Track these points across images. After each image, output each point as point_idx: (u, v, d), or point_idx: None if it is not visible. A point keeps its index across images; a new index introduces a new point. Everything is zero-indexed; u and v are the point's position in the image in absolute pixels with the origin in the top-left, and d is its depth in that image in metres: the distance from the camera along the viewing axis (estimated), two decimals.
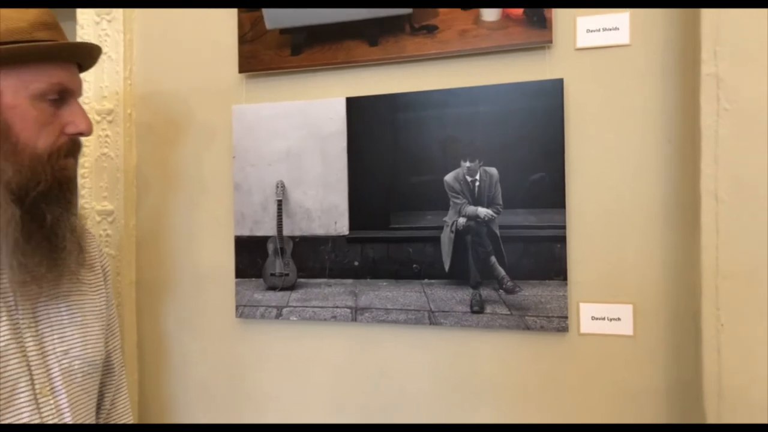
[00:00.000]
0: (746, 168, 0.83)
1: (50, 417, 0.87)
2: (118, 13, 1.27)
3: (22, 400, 0.85)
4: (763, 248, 0.82)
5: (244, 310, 1.19)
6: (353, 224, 1.13)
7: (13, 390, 0.84)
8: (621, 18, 0.97)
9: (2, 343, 0.84)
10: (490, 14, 1.03)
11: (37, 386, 0.87)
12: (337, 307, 1.13)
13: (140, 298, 1.26)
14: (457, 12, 1.05)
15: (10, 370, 0.84)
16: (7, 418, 0.83)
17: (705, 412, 0.84)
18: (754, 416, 0.81)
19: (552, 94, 0.99)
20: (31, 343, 0.88)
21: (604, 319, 0.98)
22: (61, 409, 0.89)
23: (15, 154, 0.85)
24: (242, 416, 1.20)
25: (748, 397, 0.81)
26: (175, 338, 1.25)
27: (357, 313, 1.12)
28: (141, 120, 1.26)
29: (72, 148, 0.92)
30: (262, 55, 1.16)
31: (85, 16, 1.29)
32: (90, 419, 0.96)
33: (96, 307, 1.00)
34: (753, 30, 0.82)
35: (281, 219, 1.16)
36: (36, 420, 0.86)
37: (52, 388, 0.89)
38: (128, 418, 1.09)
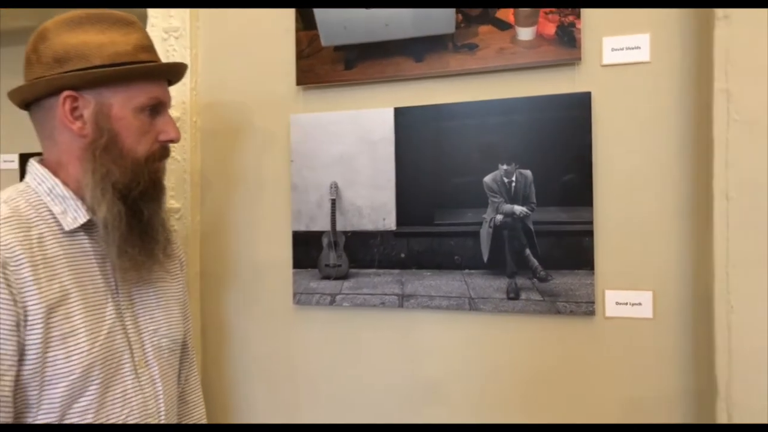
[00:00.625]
0: (753, 170, 0.96)
1: (147, 385, 1.02)
2: (185, 30, 1.42)
3: (125, 370, 0.99)
4: (759, 236, 0.95)
5: (301, 298, 1.32)
6: (400, 220, 1.26)
7: (119, 362, 0.98)
8: (642, 38, 1.10)
9: (110, 322, 0.98)
10: (525, 34, 1.16)
11: (135, 359, 1.01)
12: (385, 294, 1.27)
13: (204, 288, 1.40)
14: (495, 32, 1.18)
15: (117, 344, 0.98)
16: (115, 385, 0.97)
17: (717, 378, 0.97)
18: (759, 379, 0.93)
19: (580, 105, 1.13)
20: (129, 323, 1.02)
21: (626, 304, 1.11)
22: (154, 379, 1.03)
23: (121, 159, 0.99)
24: (297, 393, 1.33)
25: (755, 366, 0.94)
26: (236, 324, 1.39)
27: (403, 300, 1.25)
28: (205, 127, 1.40)
29: (163, 153, 1.06)
30: (318, 69, 1.30)
31: (153, 33, 1.43)
32: (173, 389, 1.10)
33: (176, 293, 1.15)
34: (758, 51, 0.95)
35: (335, 216, 1.30)
36: (136, 387, 1.00)
37: (146, 361, 1.03)
38: (198, 393, 1.24)
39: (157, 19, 1.45)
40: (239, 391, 1.38)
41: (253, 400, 1.37)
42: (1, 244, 0.87)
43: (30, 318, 0.87)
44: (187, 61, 1.41)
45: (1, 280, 0.85)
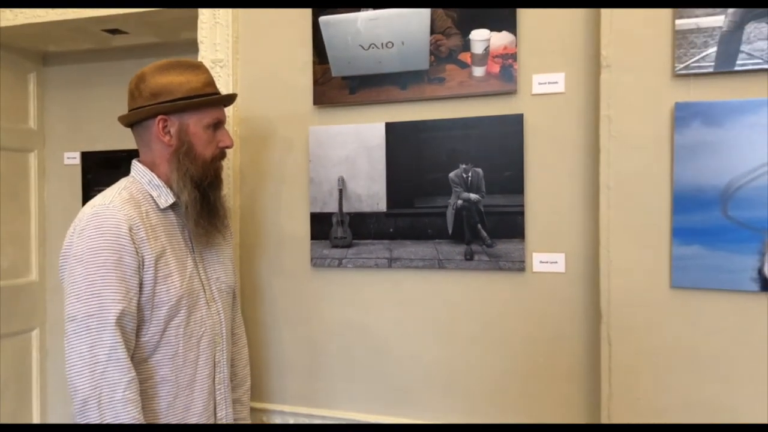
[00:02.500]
0: (624, 169, 1.42)
1: (215, 313, 1.49)
2: (228, 62, 1.88)
3: (201, 302, 1.46)
4: (632, 214, 1.41)
5: (316, 261, 1.80)
6: (389, 204, 1.73)
7: (197, 296, 1.45)
8: (559, 76, 1.56)
9: (190, 270, 1.45)
10: (479, 71, 1.63)
11: (207, 296, 1.48)
12: (378, 258, 1.74)
13: (242, 255, 1.87)
14: (457, 69, 1.64)
15: (195, 285, 1.45)
16: (195, 311, 1.43)
17: (601, 308, 1.44)
18: (628, 308, 1.40)
19: (516, 123, 1.59)
20: (201, 272, 1.49)
21: (547, 262, 1.58)
22: (219, 310, 1.51)
23: (195, 160, 1.46)
24: (313, 332, 1.80)
25: (626, 300, 1.41)
26: (266, 281, 1.86)
27: (392, 262, 1.72)
28: (243, 135, 1.87)
29: (222, 155, 1.53)
30: (329, 93, 1.77)
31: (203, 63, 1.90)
32: (230, 319, 1.57)
33: (228, 254, 1.62)
34: (628, 90, 1.42)
35: (341, 201, 1.77)
36: (208, 314, 1.46)
37: (213, 298, 1.51)
38: (242, 327, 1.70)
39: (206, 52, 1.92)
40: (269, 331, 1.86)
41: (279, 337, 1.84)
42: (127, 216, 1.34)
43: (145, 263, 1.34)
44: (229, 84, 1.87)
45: (129, 238, 1.32)
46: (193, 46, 2.03)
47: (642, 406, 1.42)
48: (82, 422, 1.26)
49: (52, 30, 2.21)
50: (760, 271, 1.33)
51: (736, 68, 1.34)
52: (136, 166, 1.48)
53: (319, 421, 1.79)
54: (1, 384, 2.41)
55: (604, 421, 1.45)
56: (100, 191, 2.45)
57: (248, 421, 1.70)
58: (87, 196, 2.52)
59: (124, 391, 1.26)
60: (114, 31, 2.25)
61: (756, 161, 1.32)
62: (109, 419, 1.25)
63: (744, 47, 1.33)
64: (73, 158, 2.55)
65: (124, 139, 2.44)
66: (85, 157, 2.54)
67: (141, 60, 2.42)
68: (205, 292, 1.49)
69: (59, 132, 2.56)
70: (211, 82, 1.51)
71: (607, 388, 1.44)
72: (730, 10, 1.33)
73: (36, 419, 2.54)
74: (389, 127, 1.72)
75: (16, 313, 2.46)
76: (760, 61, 1.32)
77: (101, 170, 2.52)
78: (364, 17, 1.72)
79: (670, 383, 1.40)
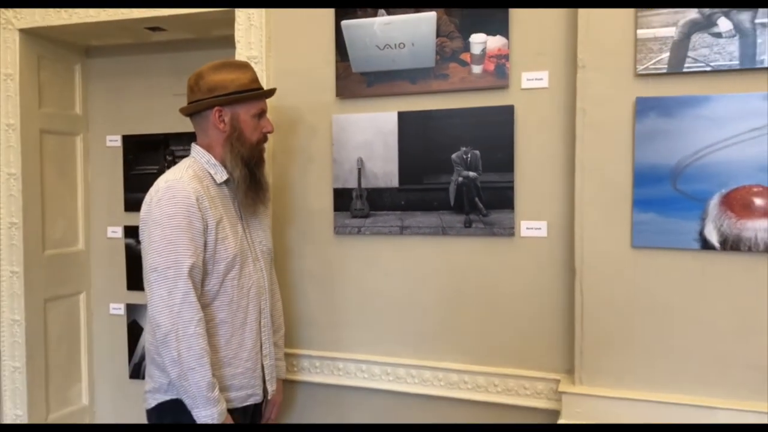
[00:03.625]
0: (596, 152, 1.75)
1: (259, 270, 1.82)
2: (261, 58, 2.18)
3: (249, 260, 1.79)
4: (601, 189, 1.74)
5: (338, 230, 2.12)
6: (401, 181, 2.05)
7: (246, 256, 1.78)
8: (544, 74, 1.88)
9: (240, 234, 1.77)
10: (477, 69, 1.94)
11: (253, 255, 1.81)
12: (392, 226, 2.06)
13: (275, 224, 2.19)
14: (459, 67, 1.96)
15: (244, 246, 1.78)
16: (245, 267, 1.76)
17: (575, 266, 1.77)
18: (597, 266, 1.74)
19: (508, 112, 1.91)
20: (248, 235, 1.82)
21: (532, 229, 1.91)
22: (262, 268, 1.84)
23: (244, 143, 1.77)
24: (335, 289, 2.13)
25: (596, 260, 1.75)
26: (296, 247, 2.19)
27: (403, 230, 2.05)
28: (275, 121, 2.16)
29: (265, 139, 1.85)
30: (350, 87, 2.08)
31: (240, 60, 2.20)
32: (269, 277, 1.90)
33: (267, 222, 1.94)
34: (600, 87, 1.74)
35: (360, 178, 2.09)
36: (254, 270, 1.79)
37: (257, 258, 1.83)
38: (277, 286, 2.03)
39: (242, 50, 2.22)
40: (298, 288, 2.19)
41: (307, 293, 2.18)
42: (194, 189, 1.65)
43: (208, 227, 1.66)
44: (262, 78, 2.18)
45: (196, 207, 1.64)
46: (225, 42, 2.34)
47: (608, 343, 1.76)
48: (163, 351, 1.60)
49: (98, 27, 2.50)
50: (701, 233, 1.67)
51: (684, 70, 1.66)
52: (195, 148, 1.80)
53: (340, 363, 2.13)
54: (54, 341, 2.74)
55: (577, 355, 1.79)
56: (139, 170, 2.80)
57: (283, 363, 2.04)
58: (127, 174, 2.84)
59: (195, 327, 1.60)
60: (154, 29, 2.55)
61: (699, 145, 1.65)
62: (184, 348, 1.58)
63: (690, 53, 1.65)
64: (115, 141, 2.86)
65: (160, 124, 2.77)
66: (126, 139, 2.84)
67: (176, 54, 2.73)
68: (251, 252, 1.82)
69: (102, 117, 2.87)
70: (255, 79, 1.82)
71: (580, 329, 1.78)
72: (681, 23, 1.65)
73: (84, 373, 2.88)
74: (401, 115, 2.04)
75: (65, 278, 2.78)
76: (703, 64, 1.64)
77: (140, 151, 2.82)
78: (380, 22, 2.03)
79: (631, 323, 1.74)
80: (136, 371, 2.83)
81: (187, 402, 1.62)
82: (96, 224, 2.89)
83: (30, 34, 2.57)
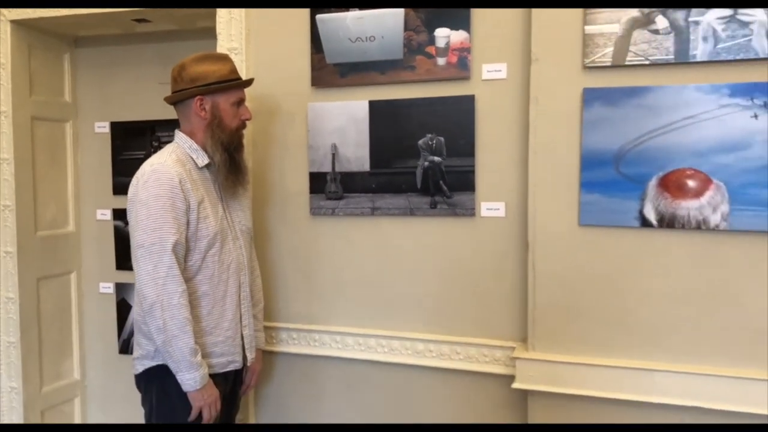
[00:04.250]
0: (547, 139, 1.90)
1: (239, 248, 1.97)
2: (242, 49, 2.31)
3: (229, 239, 1.94)
4: (552, 172, 1.90)
5: (314, 211, 2.27)
6: (372, 165, 2.20)
7: (226, 234, 1.93)
8: (503, 65, 2.03)
9: (221, 214, 1.92)
10: (441, 61, 2.09)
11: (232, 234, 1.96)
12: (363, 208, 2.22)
13: (255, 205, 2.34)
14: (425, 59, 2.11)
15: (224, 225, 1.92)
16: (225, 245, 1.91)
17: (528, 241, 1.93)
18: (548, 240, 1.90)
19: (469, 102, 2.06)
20: (228, 216, 1.97)
21: (491, 209, 2.07)
22: (241, 246, 1.99)
23: (224, 130, 1.92)
24: (311, 266, 2.29)
25: (547, 236, 1.91)
26: (274, 227, 2.34)
27: (374, 211, 2.21)
28: (254, 109, 2.30)
29: (243, 126, 1.99)
30: (324, 77, 2.23)
31: (221, 51, 2.33)
32: (249, 254, 2.05)
33: (247, 203, 2.09)
34: (551, 79, 1.89)
35: (334, 163, 2.24)
36: (234, 248, 1.94)
37: (236, 237, 1.98)
38: (257, 263, 2.18)
39: (224, 42, 2.35)
40: (276, 265, 2.34)
41: (285, 270, 2.33)
42: (177, 172, 1.80)
43: (191, 207, 1.81)
44: (242, 68, 2.31)
45: (179, 188, 1.78)
46: (207, 33, 2.47)
47: (558, 312, 1.93)
48: (149, 320, 1.75)
49: (87, 18, 2.62)
50: (641, 212, 1.83)
51: (626, 63, 1.82)
52: (178, 134, 1.94)
53: (316, 335, 2.29)
54: (47, 318, 2.88)
55: (530, 324, 1.96)
56: (127, 155, 2.93)
57: (263, 334, 2.20)
58: (115, 159, 2.97)
59: (179, 298, 1.75)
60: (140, 20, 2.67)
61: (639, 132, 1.81)
62: (168, 318, 1.73)
63: (632, 48, 1.81)
64: (103, 127, 2.98)
65: (146, 111, 2.89)
66: (113, 126, 2.97)
67: (161, 44, 2.86)
68: (231, 231, 1.97)
69: (90, 104, 2.99)
70: (235, 70, 1.96)
71: (533, 300, 1.95)
72: (623, 20, 1.81)
73: (75, 348, 3.02)
74: (372, 104, 2.19)
75: (57, 259, 2.92)
76: (642, 58, 1.80)
77: (127, 137, 2.95)
78: (352, 16, 2.17)
79: (578, 294, 1.91)
80: (125, 347, 2.97)
81: (172, 366, 1.77)
82: (86, 207, 3.02)
83: (21, 25, 2.68)
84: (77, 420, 3.04)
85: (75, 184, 3.01)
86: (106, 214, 2.99)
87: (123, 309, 2.99)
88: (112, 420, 3.04)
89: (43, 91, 2.85)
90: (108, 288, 3.01)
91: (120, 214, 2.93)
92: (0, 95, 2.67)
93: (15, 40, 2.67)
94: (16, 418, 2.75)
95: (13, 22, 2.65)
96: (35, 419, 2.81)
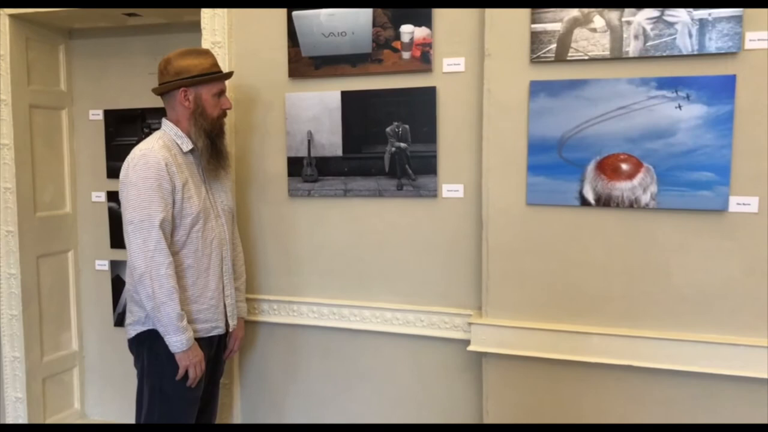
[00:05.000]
0: (498, 126, 2.11)
1: (221, 226, 2.17)
2: (224, 43, 2.51)
3: (212, 218, 2.15)
4: (503, 156, 2.11)
5: (292, 192, 2.48)
6: (345, 150, 2.41)
7: (209, 213, 2.13)
8: (461, 59, 2.23)
9: (204, 195, 2.12)
10: (406, 55, 2.29)
11: (215, 212, 2.17)
12: (337, 189, 2.42)
13: (237, 188, 2.54)
14: (391, 53, 2.30)
15: (207, 205, 2.13)
16: (208, 223, 2.11)
17: (482, 218, 2.15)
18: (500, 217, 2.12)
19: (431, 93, 2.27)
20: (211, 196, 2.17)
21: (452, 191, 2.28)
22: (223, 224, 2.20)
23: (206, 118, 2.12)
24: (289, 243, 2.50)
25: (500, 215, 2.12)
26: (255, 207, 2.55)
27: (346, 192, 2.41)
28: (236, 98, 2.51)
29: (224, 114, 2.19)
30: (300, 69, 2.42)
31: (205, 44, 2.53)
32: (230, 231, 2.26)
33: (228, 185, 2.29)
34: (502, 71, 2.09)
35: (310, 148, 2.44)
36: (216, 226, 2.15)
37: (218, 215, 2.19)
38: (239, 240, 2.39)
39: (208, 36, 2.54)
40: (258, 242, 2.55)
41: (265, 247, 2.54)
42: (164, 156, 2.00)
43: (176, 188, 2.01)
44: (225, 60, 2.51)
45: (166, 171, 1.98)
46: (194, 27, 2.66)
47: (508, 282, 2.15)
48: (140, 289, 1.96)
49: (80, 13, 2.80)
50: (580, 193, 2.05)
51: (567, 58, 2.03)
52: (165, 122, 2.14)
53: (294, 306, 2.51)
54: (47, 293, 3.09)
55: (484, 293, 2.18)
56: (119, 141, 3.13)
57: (245, 305, 2.42)
58: (109, 145, 3.16)
59: (166, 269, 1.96)
60: (131, 14, 2.86)
61: (578, 120, 2.02)
62: (157, 286, 1.95)
63: (572, 44, 2.01)
64: (97, 115, 3.17)
65: (137, 100, 3.08)
66: (107, 113, 3.16)
67: (150, 36, 3.04)
68: (213, 210, 2.17)
69: (85, 93, 3.18)
70: (216, 63, 2.16)
71: (486, 272, 2.17)
72: (565, 19, 2.01)
73: (73, 321, 3.24)
74: (344, 94, 2.39)
75: (55, 238, 3.12)
76: (582, 54, 2.01)
77: (120, 124, 3.14)
78: (325, 13, 2.37)
79: (526, 266, 2.13)
80: (120, 320, 3.18)
81: (161, 330, 1.99)
82: (81, 189, 3.22)
83: (18, 19, 2.86)
84: (76, 388, 3.26)
85: (71, 168, 3.20)
86: (100, 196, 3.19)
87: (118, 284, 3.20)
88: (107, 388, 3.26)
89: (40, 80, 3.03)
90: (103, 265, 3.21)
91: (113, 196, 3.12)
92: (0, 85, 2.85)
93: (13, 33, 2.86)
94: (19, 385, 2.97)
95: (11, 16, 2.83)
96: (37, 387, 3.03)
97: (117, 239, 3.15)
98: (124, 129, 3.14)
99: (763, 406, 1.93)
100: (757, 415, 1.93)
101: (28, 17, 2.87)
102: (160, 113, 2.94)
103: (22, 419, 2.98)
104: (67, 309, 3.22)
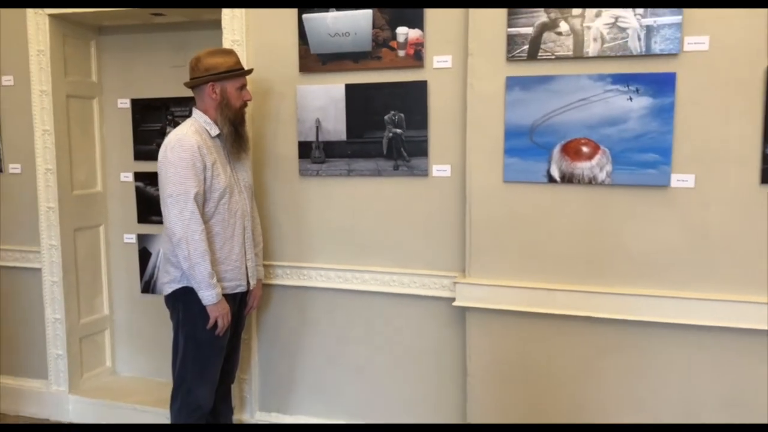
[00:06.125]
0: (480, 114, 2.48)
1: (243, 200, 2.55)
2: (243, 41, 2.87)
3: (235, 192, 2.52)
4: (484, 141, 2.48)
5: (302, 172, 2.86)
6: (348, 136, 2.78)
7: (233, 189, 2.51)
8: (448, 57, 2.59)
9: (229, 173, 2.50)
10: (401, 53, 2.66)
11: (237, 188, 2.54)
12: (341, 169, 2.80)
13: (254, 169, 2.91)
14: (389, 51, 2.67)
15: (231, 182, 2.50)
16: (233, 197, 2.49)
17: (465, 194, 2.53)
18: (480, 197, 2.50)
19: (423, 86, 2.63)
20: (234, 175, 2.55)
21: (441, 170, 2.65)
22: (245, 198, 2.57)
23: (231, 108, 2.49)
24: (300, 216, 2.88)
25: (481, 191, 2.50)
26: (270, 186, 2.92)
27: (349, 172, 2.79)
28: (253, 90, 2.87)
29: (245, 105, 2.56)
30: (309, 64, 2.79)
31: (226, 43, 2.89)
32: (250, 205, 2.64)
33: (248, 165, 2.66)
34: (485, 69, 2.46)
35: (318, 134, 2.82)
36: (239, 200, 2.53)
37: (241, 191, 2.56)
38: (257, 212, 2.77)
39: (228, 35, 2.90)
40: (273, 215, 2.93)
41: (278, 219, 2.92)
42: (196, 140, 2.37)
43: (207, 167, 2.39)
44: (243, 56, 2.87)
45: (198, 153, 2.35)
46: (212, 24, 3.02)
47: (487, 248, 2.53)
48: (178, 251, 2.34)
49: (111, 12, 3.16)
50: (548, 172, 2.43)
51: (538, 58, 2.39)
52: (195, 111, 2.51)
53: (304, 270, 2.89)
54: (82, 262, 3.47)
55: (467, 257, 2.56)
56: (145, 127, 3.50)
57: (262, 269, 2.80)
58: (136, 130, 3.51)
59: (199, 235, 2.34)
60: (156, 14, 3.21)
61: (546, 110, 2.40)
62: (192, 249, 2.32)
63: (542, 46, 2.38)
64: (125, 104, 3.53)
65: (161, 90, 3.44)
66: (133, 102, 3.52)
67: (173, 33, 3.39)
68: (237, 186, 2.55)
69: (113, 84, 3.54)
70: (239, 61, 2.53)
71: (469, 239, 2.56)
72: (536, 24, 2.37)
73: (105, 288, 3.62)
74: (347, 87, 2.75)
75: (89, 213, 3.50)
76: (550, 54, 2.37)
77: (145, 112, 3.50)
78: (331, 16, 2.73)
79: (503, 234, 2.51)
80: (147, 287, 3.57)
81: (195, 286, 2.37)
82: (111, 170, 3.59)
83: (57, 18, 3.21)
84: (107, 348, 3.66)
85: (102, 151, 3.57)
86: (128, 177, 3.56)
87: (144, 256, 3.58)
88: (135, 348, 3.65)
89: (75, 72, 3.39)
90: (131, 239, 3.59)
91: (140, 177, 3.50)
92: (41, 77, 3.21)
93: (52, 31, 3.21)
94: (60, 343, 3.35)
95: (50, 15, 3.19)
96: (75, 345, 3.42)
97: (143, 215, 3.52)
98: (149, 116, 3.50)
99: (691, 346, 2.32)
100: (685, 354, 2.33)
101: (65, 17, 3.22)
102: (182, 102, 3.34)
103: (63, 373, 3.37)
104: (99, 277, 3.60)
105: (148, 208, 3.51)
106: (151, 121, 3.51)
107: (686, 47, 2.25)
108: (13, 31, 3.26)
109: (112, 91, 3.55)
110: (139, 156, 3.51)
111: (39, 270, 3.35)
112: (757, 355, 2.26)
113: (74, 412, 3.38)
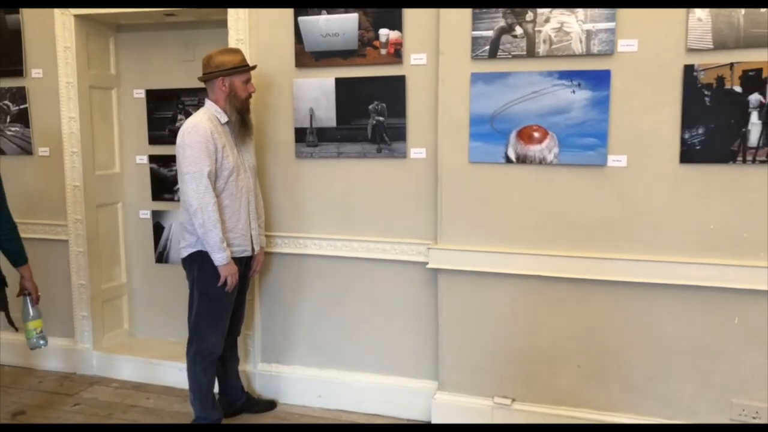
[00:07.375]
0: (449, 104, 2.92)
1: (247, 178, 3.00)
2: (246, 40, 3.29)
3: (242, 171, 2.97)
4: (452, 126, 2.92)
5: (298, 154, 3.30)
6: (338, 122, 3.21)
7: (239, 168, 2.95)
8: (424, 55, 3.03)
9: (236, 156, 2.94)
10: (383, 51, 3.09)
11: (242, 168, 2.99)
12: (331, 152, 3.24)
13: (257, 151, 3.33)
14: (373, 50, 3.10)
15: (238, 163, 2.95)
16: (239, 176, 2.94)
17: (437, 177, 2.97)
18: (452, 179, 2.95)
19: (402, 80, 3.06)
20: (240, 156, 2.99)
21: (417, 153, 3.09)
22: (249, 177, 3.02)
23: (237, 99, 2.92)
24: (296, 193, 3.32)
25: (452, 178, 2.94)
26: (269, 166, 3.36)
27: (339, 155, 3.23)
28: (255, 83, 3.30)
29: (250, 96, 3.00)
30: (304, 61, 3.22)
31: (232, 42, 3.31)
32: (254, 183, 3.08)
33: (252, 148, 3.10)
34: (454, 65, 2.90)
35: (311, 121, 3.25)
36: (245, 178, 2.98)
37: (246, 170, 3.01)
38: (260, 192, 3.22)
39: (233, 34, 3.33)
40: (273, 192, 3.37)
41: (278, 196, 3.36)
42: (209, 126, 2.81)
43: (218, 149, 2.83)
44: (247, 53, 3.29)
45: (211, 137, 2.79)
46: (219, 24, 3.44)
47: (456, 218, 2.98)
48: (194, 220, 2.78)
49: (128, 13, 3.58)
50: (506, 154, 2.87)
51: (497, 57, 2.83)
52: (207, 101, 2.95)
53: (300, 240, 3.34)
54: (103, 235, 3.91)
55: (438, 226, 3.01)
56: (158, 115, 3.94)
57: (264, 238, 3.25)
58: (150, 118, 3.94)
59: (213, 206, 2.78)
60: (168, 14, 3.63)
61: (504, 101, 2.84)
62: (206, 218, 2.77)
63: (501, 46, 2.82)
64: (140, 94, 3.95)
65: (173, 81, 3.87)
66: (148, 93, 3.94)
67: (184, 31, 3.81)
68: (242, 166, 2.99)
69: (130, 76, 3.96)
70: (244, 59, 2.96)
71: (440, 211, 3.01)
72: (495, 28, 2.81)
73: (123, 258, 4.07)
74: (337, 80, 3.19)
75: (108, 191, 3.94)
76: (507, 53, 2.81)
77: (158, 101, 3.93)
78: (323, 19, 3.16)
79: (468, 207, 2.96)
80: (160, 258, 4.02)
81: (208, 249, 2.82)
82: (127, 154, 4.02)
83: (81, 18, 3.63)
84: (125, 312, 4.11)
85: (120, 136, 4.00)
86: (143, 159, 3.99)
87: (158, 230, 4.02)
88: (149, 313, 4.10)
89: (96, 66, 3.82)
90: (146, 214, 4.03)
91: (154, 159, 3.93)
92: (67, 70, 3.64)
93: (77, 29, 3.63)
94: (84, 306, 3.81)
95: (75, 15, 3.61)
96: (98, 308, 3.87)
97: (157, 193, 3.96)
98: (162, 105, 3.93)
99: (625, 299, 2.78)
100: (620, 306, 2.79)
101: (88, 16, 3.64)
102: (191, 93, 3.77)
103: (88, 333, 3.83)
104: (117, 249, 4.05)
105: (161, 187, 3.95)
106: (164, 109, 3.93)
107: (619, 48, 2.68)
108: (41, 29, 3.68)
109: (129, 82, 3.97)
110: (153, 141, 3.95)
111: (65, 241, 3.80)
112: (681, 305, 2.72)
113: (98, 366, 3.85)
